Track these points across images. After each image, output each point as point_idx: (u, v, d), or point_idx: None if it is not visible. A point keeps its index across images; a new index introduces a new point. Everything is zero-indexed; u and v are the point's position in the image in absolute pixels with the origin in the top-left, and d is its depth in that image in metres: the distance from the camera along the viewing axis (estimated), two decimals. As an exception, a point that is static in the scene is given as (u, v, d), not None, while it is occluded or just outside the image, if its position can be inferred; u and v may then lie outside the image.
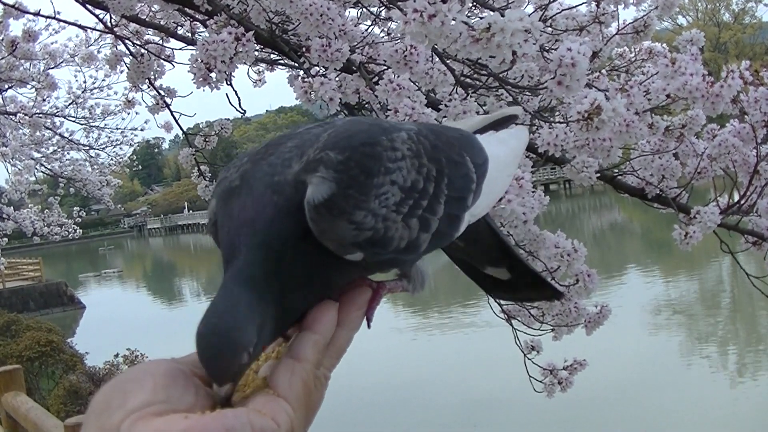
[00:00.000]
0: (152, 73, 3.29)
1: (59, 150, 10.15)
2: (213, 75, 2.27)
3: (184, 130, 3.83)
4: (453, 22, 1.58)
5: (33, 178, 10.96)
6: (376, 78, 2.54)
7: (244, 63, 2.33)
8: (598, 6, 2.56)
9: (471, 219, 0.90)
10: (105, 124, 9.81)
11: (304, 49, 2.45)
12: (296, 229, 0.74)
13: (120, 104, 8.44)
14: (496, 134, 1.04)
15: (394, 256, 0.80)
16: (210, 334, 0.70)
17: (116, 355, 12.19)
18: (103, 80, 8.71)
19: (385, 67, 2.39)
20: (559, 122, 2.28)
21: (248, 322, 0.70)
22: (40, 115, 7.64)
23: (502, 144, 1.01)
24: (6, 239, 12.02)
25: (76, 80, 8.78)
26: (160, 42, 3.50)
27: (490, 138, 1.01)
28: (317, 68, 2.38)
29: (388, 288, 0.87)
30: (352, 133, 0.81)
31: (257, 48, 2.82)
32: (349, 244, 0.75)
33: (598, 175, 2.59)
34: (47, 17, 4.09)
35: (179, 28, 3.57)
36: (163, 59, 3.42)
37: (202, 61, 2.24)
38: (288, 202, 0.75)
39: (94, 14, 3.26)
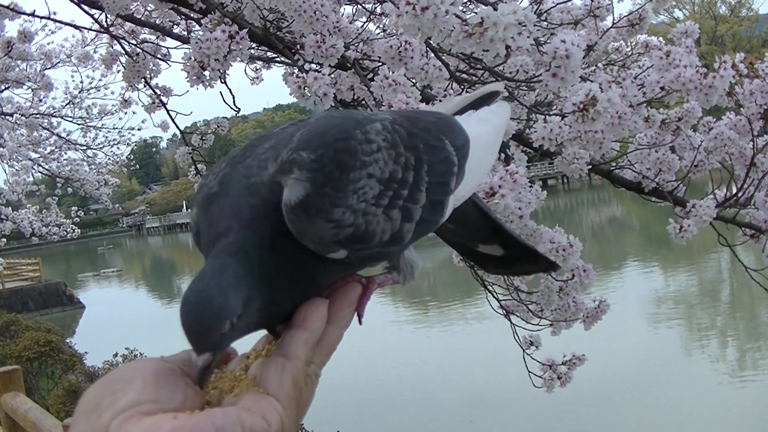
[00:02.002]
0: (148, 72, 3.29)
1: (57, 150, 10.14)
2: (206, 73, 2.26)
3: (181, 129, 3.82)
4: (446, 15, 1.58)
5: (31, 179, 10.94)
6: (371, 74, 2.53)
7: (238, 61, 2.33)
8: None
9: (456, 202, 0.89)
10: (102, 124, 9.81)
11: (298, 46, 2.45)
12: (276, 230, 0.74)
13: (117, 104, 8.44)
14: (477, 113, 1.02)
15: (379, 250, 0.79)
16: (194, 299, 0.70)
17: (115, 355, 12.18)
18: (99, 80, 8.71)
19: (380, 64, 2.39)
20: (554, 114, 2.28)
21: (234, 290, 0.70)
22: (37, 116, 7.63)
23: (483, 123, 1.00)
24: (4, 240, 12.02)
25: (73, 80, 8.80)
26: (156, 41, 3.50)
27: (469, 118, 1.00)
28: (312, 65, 2.38)
29: (378, 282, 0.86)
30: (325, 129, 0.80)
31: (252, 46, 2.82)
32: (330, 243, 0.75)
33: (590, 167, 2.59)
34: (43, 18, 4.08)
35: (175, 27, 3.56)
36: (159, 58, 3.42)
37: (195, 60, 2.24)
38: (265, 203, 0.75)
39: (89, 14, 3.25)
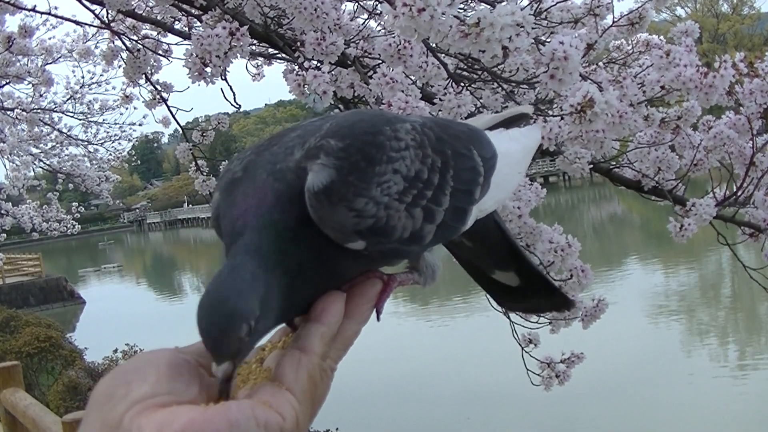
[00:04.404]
0: (149, 68, 3.29)
1: (58, 145, 10.13)
2: (208, 70, 2.27)
3: (181, 125, 3.83)
4: (443, 17, 1.58)
5: (32, 174, 10.93)
6: (372, 72, 2.54)
7: (239, 58, 2.33)
8: (592, -2, 2.56)
9: (479, 214, 0.89)
10: (103, 119, 9.80)
11: (298, 43, 2.45)
12: (298, 215, 0.74)
13: (118, 99, 8.43)
14: (507, 132, 1.04)
15: (398, 246, 0.79)
16: (208, 302, 0.69)
17: (115, 351, 12.19)
18: (100, 75, 8.70)
19: (380, 61, 2.39)
20: (554, 115, 2.28)
21: (249, 291, 0.69)
22: (38, 111, 7.64)
23: (512, 141, 1.01)
24: (5, 235, 12.00)
25: (74, 75, 8.76)
26: (157, 37, 3.50)
27: (499, 135, 1.01)
28: (312, 62, 2.38)
29: (399, 281, 0.86)
30: (354, 122, 0.81)
31: (253, 43, 2.82)
32: (350, 232, 0.75)
33: (591, 166, 2.59)
34: (43, 13, 4.08)
35: (176, 22, 3.57)
36: (160, 54, 3.42)
37: (196, 56, 2.25)
38: (289, 188, 0.75)
39: (90, 10, 3.26)
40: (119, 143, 11.12)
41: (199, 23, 3.09)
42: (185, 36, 3.43)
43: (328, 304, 0.77)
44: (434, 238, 0.82)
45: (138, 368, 0.67)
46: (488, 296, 1.22)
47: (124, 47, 3.32)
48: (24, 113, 7.12)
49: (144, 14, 3.46)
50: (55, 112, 8.67)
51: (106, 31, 3.55)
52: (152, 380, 0.65)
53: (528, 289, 1.09)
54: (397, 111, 2.06)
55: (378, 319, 0.82)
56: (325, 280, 0.78)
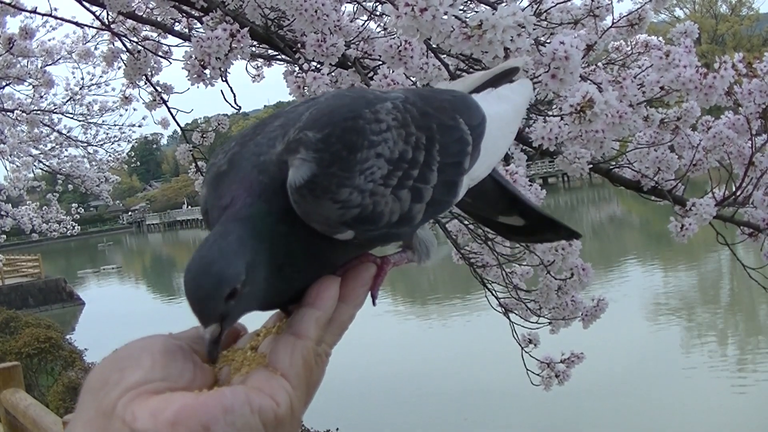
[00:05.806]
0: (149, 69, 3.29)
1: (57, 147, 10.12)
2: (207, 72, 2.27)
3: (181, 126, 3.82)
4: (445, 17, 1.59)
5: (31, 175, 10.93)
6: (372, 73, 2.54)
7: (239, 59, 2.34)
8: (592, -1, 2.57)
9: (471, 182, 0.88)
10: (103, 121, 9.77)
11: (299, 45, 2.46)
12: (283, 208, 0.73)
13: (117, 101, 8.42)
14: (496, 90, 1.00)
15: (387, 231, 0.78)
16: (195, 265, 0.69)
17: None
18: (100, 77, 8.69)
19: (381, 62, 2.40)
20: (553, 115, 2.28)
21: (236, 255, 0.69)
22: (38, 112, 7.64)
23: (502, 101, 0.98)
24: (4, 236, 12.00)
25: (74, 77, 8.76)
26: (157, 39, 3.50)
27: (488, 96, 0.98)
28: (313, 64, 2.39)
29: (393, 262, 0.85)
30: (333, 108, 0.79)
31: (253, 44, 2.82)
32: (337, 224, 0.74)
33: (591, 166, 2.59)
34: (44, 15, 4.08)
35: (176, 24, 3.57)
36: (160, 56, 3.42)
37: (196, 58, 2.25)
38: (273, 181, 0.74)
39: (90, 11, 3.26)
40: (119, 144, 11.11)
41: (199, 25, 3.09)
42: (185, 37, 3.43)
43: (322, 289, 0.76)
44: (425, 215, 0.81)
45: (132, 354, 0.67)
46: (489, 292, 1.22)
47: (124, 49, 3.33)
48: (24, 114, 7.13)
49: (144, 16, 3.46)
50: (55, 113, 8.66)
51: (106, 32, 3.56)
52: (146, 366, 0.65)
53: (534, 227, 1.09)
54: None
55: (374, 303, 0.82)
56: (317, 268, 0.77)
